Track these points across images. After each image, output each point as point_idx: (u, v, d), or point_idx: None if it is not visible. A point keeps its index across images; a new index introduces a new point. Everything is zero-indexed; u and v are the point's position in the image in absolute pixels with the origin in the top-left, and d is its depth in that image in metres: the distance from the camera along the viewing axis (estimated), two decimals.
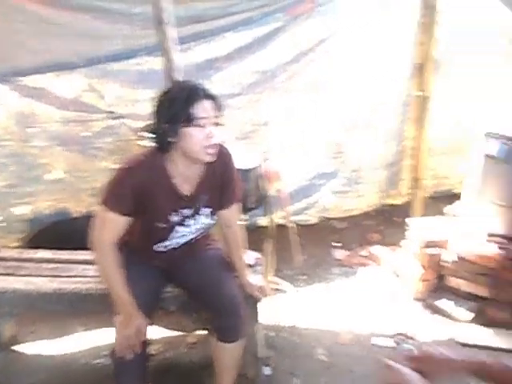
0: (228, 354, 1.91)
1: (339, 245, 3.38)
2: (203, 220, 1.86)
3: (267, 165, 2.62)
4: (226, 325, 1.86)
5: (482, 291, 2.65)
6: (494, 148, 2.63)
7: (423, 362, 1.07)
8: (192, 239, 1.89)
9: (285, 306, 2.76)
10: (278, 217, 2.91)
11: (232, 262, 1.99)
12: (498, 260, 2.57)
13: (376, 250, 3.23)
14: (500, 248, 2.60)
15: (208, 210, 1.84)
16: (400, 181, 3.71)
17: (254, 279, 2.08)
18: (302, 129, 3.30)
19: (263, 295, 2.09)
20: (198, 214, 1.82)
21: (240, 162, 2.40)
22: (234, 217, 1.97)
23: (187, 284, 1.97)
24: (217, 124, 1.68)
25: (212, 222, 1.90)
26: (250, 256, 2.21)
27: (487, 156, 2.69)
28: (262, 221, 2.82)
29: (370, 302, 2.78)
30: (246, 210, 2.49)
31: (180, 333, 2.40)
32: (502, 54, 3.33)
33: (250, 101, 3.09)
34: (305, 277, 3.04)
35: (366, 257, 3.21)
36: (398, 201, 3.71)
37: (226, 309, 1.85)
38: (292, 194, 3.33)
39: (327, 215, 3.51)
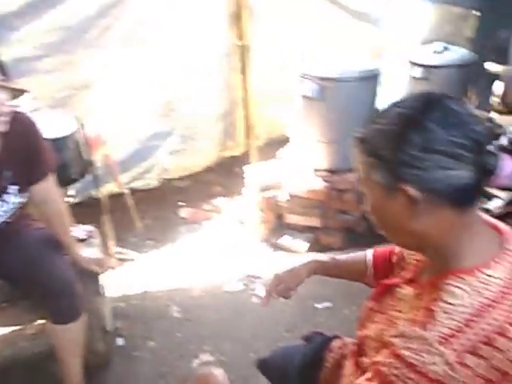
0: (68, 336, 1.79)
1: (183, 203, 3.37)
2: (11, 199, 1.66)
3: (88, 131, 2.43)
4: (60, 306, 1.73)
5: (314, 222, 2.89)
6: (308, 88, 2.81)
7: (276, 284, 1.26)
8: (3, 223, 1.69)
9: (133, 273, 2.68)
10: (112, 185, 2.76)
11: (60, 240, 1.84)
12: (325, 192, 2.81)
13: (219, 202, 3.29)
14: (325, 181, 2.84)
15: (15, 188, 1.65)
16: (235, 132, 3.79)
17: (88, 253, 1.97)
18: (126, 89, 3.12)
19: (102, 268, 1.99)
20: (3, 193, 1.62)
21: (53, 130, 2.20)
22: (50, 190, 1.80)
23: (11, 273, 1.78)
24: (2, 88, 1.47)
25: (22, 200, 1.71)
26: (80, 230, 2.08)
27: (304, 97, 2.86)
28: (95, 192, 2.65)
29: (218, 252, 2.86)
30: (69, 181, 2.30)
31: (16, 327, 2.18)
32: None
33: (62, 62, 2.79)
34: (151, 241, 2.98)
35: (210, 211, 3.26)
36: (236, 152, 3.79)
37: (57, 290, 1.72)
38: (127, 159, 3.20)
39: (168, 176, 3.45)
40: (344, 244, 2.85)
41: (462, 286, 0.76)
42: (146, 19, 3.07)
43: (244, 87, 3.50)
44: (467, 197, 0.80)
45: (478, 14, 4.48)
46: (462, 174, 0.77)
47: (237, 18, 3.36)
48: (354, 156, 0.86)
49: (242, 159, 3.67)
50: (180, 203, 3.37)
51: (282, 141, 3.68)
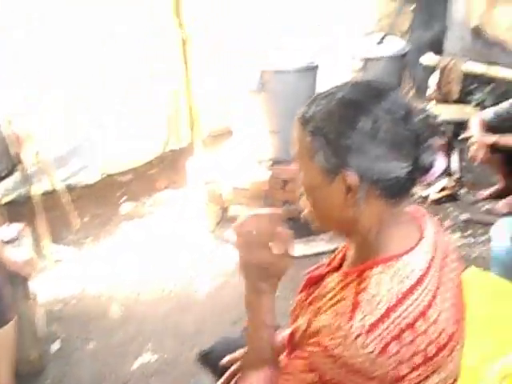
0: None
1: (125, 199, 3.27)
2: None
3: (16, 127, 2.30)
4: None
5: None
6: (250, 80, 2.79)
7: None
8: None
9: (71, 273, 2.58)
10: (46, 182, 2.63)
11: None
12: (268, 182, 2.81)
13: (163, 196, 3.23)
14: (268, 171, 2.84)
15: None
16: (179, 124, 3.72)
17: (16, 254, 1.87)
18: (57, 81, 2.98)
19: (31, 270, 1.90)
20: None
21: None
22: None
23: None
24: None
25: None
26: (10, 230, 1.97)
27: (245, 88, 2.84)
28: (26, 189, 2.51)
29: (162, 247, 2.79)
30: None
31: None
32: None
33: None
34: (91, 239, 2.88)
35: (153, 205, 3.19)
36: (181, 145, 3.73)
37: None
38: (64, 155, 3.07)
39: (109, 171, 3.34)
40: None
41: (386, 274, 0.77)
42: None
43: (186, 78, 3.43)
44: (401, 189, 0.81)
45: (414, 7, 4.64)
46: (401, 166, 0.77)
47: (177, 7, 3.27)
48: (295, 135, 0.83)
49: (186, 152, 3.61)
50: (122, 198, 3.27)
51: (227, 133, 3.66)
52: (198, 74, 3.48)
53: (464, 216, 3.01)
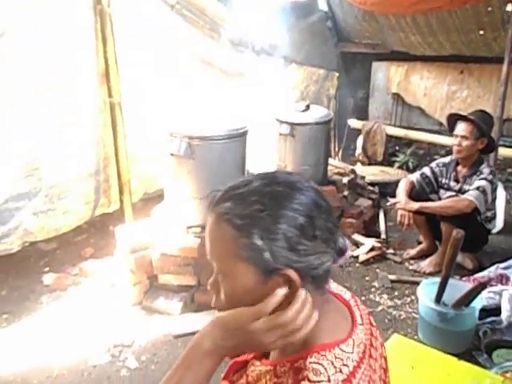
0: None
1: (48, 269, 3.10)
2: None
3: None
4: None
5: (188, 281, 2.83)
6: (177, 147, 2.81)
7: None
8: None
9: None
10: None
11: None
12: (197, 249, 2.78)
13: (88, 264, 3.09)
14: (197, 237, 2.81)
15: None
16: (108, 188, 3.65)
17: None
18: None
19: None
20: None
21: None
22: None
23: None
24: None
25: None
26: None
27: (173, 155, 2.86)
28: None
29: (84, 322, 2.63)
30: None
31: None
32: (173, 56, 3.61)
33: None
34: (6, 315, 2.67)
35: (77, 275, 3.04)
36: (110, 209, 3.63)
37: None
38: None
39: (31, 239, 3.17)
40: None
41: (323, 362, 0.77)
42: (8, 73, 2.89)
43: (115, 143, 3.41)
44: (327, 277, 0.83)
45: (338, 75, 4.97)
46: (329, 257, 0.79)
47: (106, 76, 3.31)
48: (214, 234, 0.79)
49: (115, 217, 3.52)
50: (44, 269, 3.10)
51: (159, 196, 3.63)
52: (130, 138, 3.49)
53: (392, 276, 3.10)
